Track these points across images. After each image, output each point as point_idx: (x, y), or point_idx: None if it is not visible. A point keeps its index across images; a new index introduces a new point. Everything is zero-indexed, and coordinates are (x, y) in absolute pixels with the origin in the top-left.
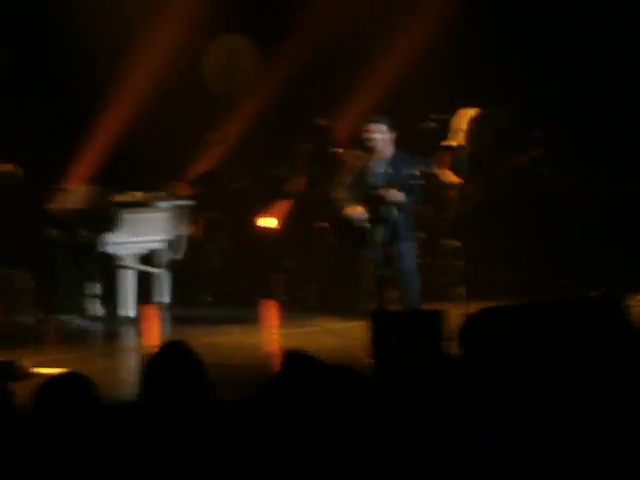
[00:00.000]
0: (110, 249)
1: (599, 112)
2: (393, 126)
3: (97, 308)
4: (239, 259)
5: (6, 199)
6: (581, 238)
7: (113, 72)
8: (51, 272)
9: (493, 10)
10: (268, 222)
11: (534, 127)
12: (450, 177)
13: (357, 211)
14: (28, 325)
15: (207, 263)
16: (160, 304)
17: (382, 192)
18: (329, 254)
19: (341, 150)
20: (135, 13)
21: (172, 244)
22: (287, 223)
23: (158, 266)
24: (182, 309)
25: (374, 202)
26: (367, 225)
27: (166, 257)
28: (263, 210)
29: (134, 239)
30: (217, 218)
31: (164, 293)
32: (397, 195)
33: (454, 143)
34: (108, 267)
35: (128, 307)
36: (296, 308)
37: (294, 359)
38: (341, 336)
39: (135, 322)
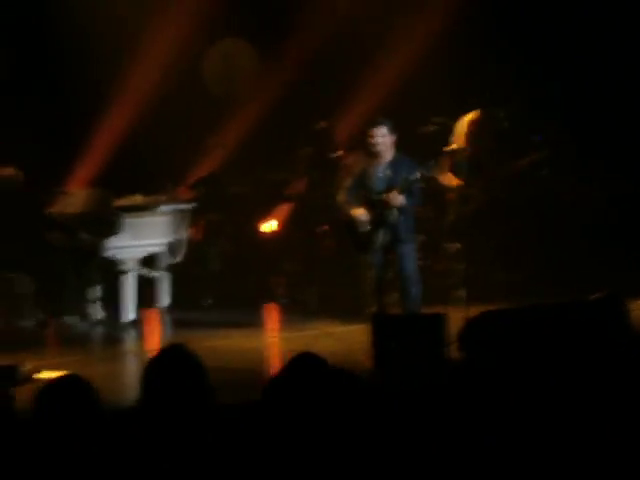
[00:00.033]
0: (111, 253)
1: (599, 112)
2: (394, 129)
3: (98, 312)
4: (240, 262)
5: (6, 203)
6: (582, 240)
7: (113, 75)
8: (52, 276)
9: (493, 11)
10: (269, 226)
11: (534, 128)
12: (450, 179)
13: (361, 214)
14: (28, 329)
15: (207, 266)
16: (160, 307)
17: (384, 196)
18: (330, 257)
19: (341, 153)
20: (136, 15)
21: (172, 247)
22: (288, 226)
23: (158, 269)
24: (182, 312)
25: (376, 205)
26: (368, 228)
27: (166, 260)
28: (264, 214)
29: (135, 243)
30: (218, 221)
31: (164, 296)
32: (398, 199)
33: (455, 147)
34: (109, 271)
35: (129, 311)
36: (297, 311)
37: (302, 361)
38: (342, 340)
39: (135, 326)
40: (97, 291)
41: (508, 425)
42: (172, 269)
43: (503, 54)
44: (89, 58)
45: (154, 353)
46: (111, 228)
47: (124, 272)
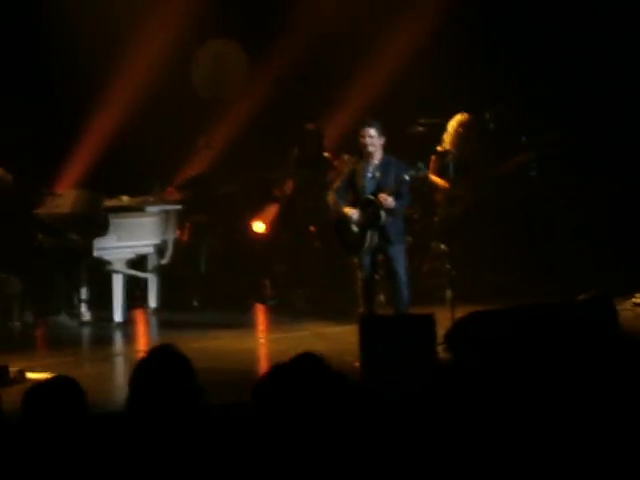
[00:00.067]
0: (99, 254)
1: (588, 113)
2: (384, 130)
3: (86, 313)
4: (228, 263)
5: None
6: (570, 241)
7: (103, 76)
8: (41, 277)
9: (481, 11)
10: (256, 226)
11: (521, 129)
12: (437, 180)
13: (353, 212)
14: (17, 330)
15: (195, 267)
16: (149, 309)
17: (375, 198)
18: (318, 258)
19: (330, 154)
20: (126, 16)
21: (159, 248)
22: (276, 227)
23: (147, 270)
24: (170, 313)
25: (365, 206)
26: (357, 229)
27: (154, 262)
28: (252, 214)
29: (123, 244)
30: (205, 222)
31: (153, 298)
32: (389, 200)
33: (444, 147)
34: (97, 272)
35: (117, 312)
36: (285, 312)
37: (301, 361)
38: (331, 340)
39: (124, 327)
40: (86, 292)
41: (497, 426)
42: (161, 270)
43: (492, 54)
44: (79, 58)
45: (143, 354)
46: (99, 229)
47: (113, 273)
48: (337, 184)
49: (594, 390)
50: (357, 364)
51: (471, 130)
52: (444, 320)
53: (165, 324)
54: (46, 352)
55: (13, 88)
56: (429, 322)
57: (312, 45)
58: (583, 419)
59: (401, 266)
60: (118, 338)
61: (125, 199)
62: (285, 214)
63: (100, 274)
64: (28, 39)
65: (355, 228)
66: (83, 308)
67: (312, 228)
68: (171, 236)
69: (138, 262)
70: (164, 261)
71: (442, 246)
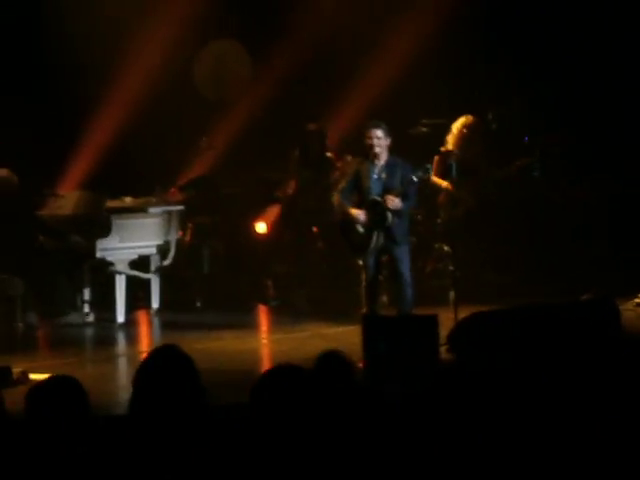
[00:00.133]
0: (101, 255)
1: (589, 113)
2: (390, 131)
3: (89, 314)
4: (230, 264)
5: (0, 205)
6: (572, 242)
7: (106, 76)
8: (43, 278)
9: (483, 12)
10: (259, 227)
11: (524, 130)
12: (439, 182)
13: (359, 213)
14: (19, 331)
15: (197, 268)
16: (151, 309)
17: (381, 199)
18: (320, 259)
19: (333, 155)
20: (127, 16)
21: (162, 249)
22: (278, 228)
23: (149, 271)
24: (173, 314)
25: (371, 208)
26: (363, 230)
27: (156, 262)
28: (255, 215)
29: (125, 245)
30: (208, 223)
31: (155, 298)
32: (396, 202)
33: (448, 148)
34: (99, 273)
35: (120, 313)
36: (287, 313)
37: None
38: (333, 341)
39: (126, 327)
40: (88, 293)
41: (499, 426)
42: (163, 271)
43: (493, 55)
44: (81, 59)
45: (146, 354)
46: (101, 230)
47: (115, 274)
48: (342, 185)
49: (597, 390)
50: (360, 365)
51: (475, 132)
52: (447, 321)
53: (167, 325)
54: (49, 353)
55: (15, 88)
56: (432, 323)
57: (314, 46)
58: (586, 418)
59: (406, 267)
60: (121, 339)
61: (127, 200)
62: (287, 215)
63: (103, 275)
64: (30, 41)
65: (361, 229)
66: (85, 309)
67: (314, 229)
68: (173, 237)
69: (140, 263)
70: (166, 262)
71: (445, 247)
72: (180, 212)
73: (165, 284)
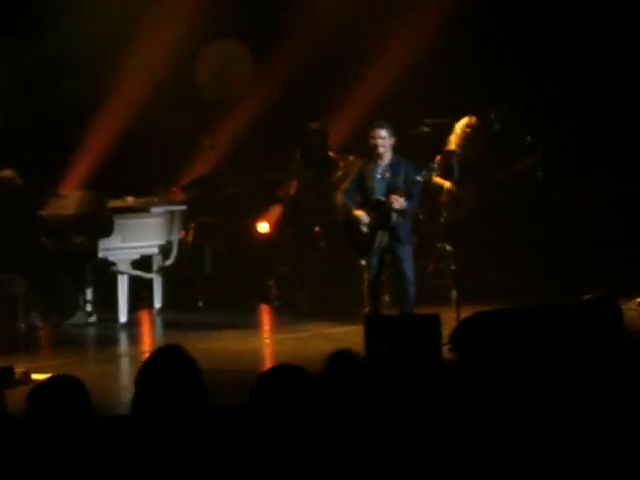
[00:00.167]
0: (104, 255)
1: (591, 113)
2: (394, 131)
3: (91, 314)
4: (232, 264)
5: (4, 205)
6: (573, 242)
7: (108, 75)
8: (45, 278)
9: (487, 11)
10: (261, 227)
11: (527, 130)
12: (441, 182)
13: (362, 215)
14: (21, 331)
15: (200, 268)
16: (153, 309)
17: (386, 199)
18: (323, 259)
19: (335, 154)
20: (130, 16)
21: (164, 249)
22: (280, 228)
23: (151, 271)
24: (175, 314)
25: (376, 207)
26: (367, 230)
27: (159, 262)
28: (257, 215)
29: (128, 244)
30: (210, 223)
31: (157, 298)
32: (400, 201)
33: (451, 147)
34: (101, 272)
35: (121, 312)
36: (290, 313)
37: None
38: (335, 341)
39: (128, 327)
40: (91, 293)
41: (502, 426)
42: (165, 271)
43: (497, 54)
44: (83, 59)
45: (148, 354)
46: (104, 230)
47: (118, 274)
48: (345, 185)
49: (599, 389)
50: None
51: (479, 132)
52: (449, 320)
53: (170, 325)
54: (51, 353)
55: (17, 88)
56: (434, 322)
57: (317, 46)
58: (588, 418)
59: (409, 267)
60: (123, 339)
61: (130, 200)
62: (289, 214)
63: (105, 275)
64: (35, 41)
65: (365, 229)
66: (87, 309)
67: (317, 228)
68: (176, 237)
69: (143, 263)
70: (169, 262)
71: (447, 247)
72: (182, 212)
73: (167, 284)
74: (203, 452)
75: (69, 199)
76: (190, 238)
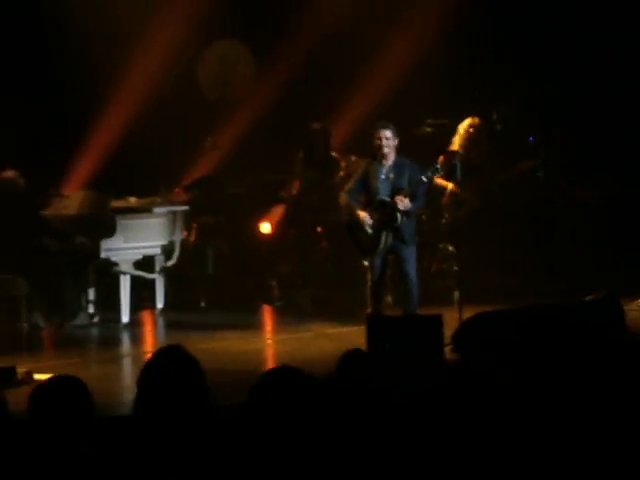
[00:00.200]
0: (106, 255)
1: (590, 113)
2: (398, 132)
3: (94, 314)
4: (234, 264)
5: (6, 205)
6: (577, 242)
7: (110, 76)
8: (48, 278)
9: (488, 11)
10: (262, 228)
11: (529, 130)
12: (442, 183)
13: (366, 216)
14: (23, 331)
15: (202, 268)
16: (155, 309)
17: (391, 200)
18: (325, 259)
19: (337, 154)
20: (132, 17)
21: (167, 250)
22: (282, 228)
23: (153, 272)
24: (177, 314)
25: (380, 208)
26: (371, 231)
27: (161, 263)
28: (259, 215)
29: (130, 245)
30: (212, 223)
31: (159, 299)
32: (405, 202)
33: (454, 147)
34: (103, 273)
35: (124, 313)
36: (292, 313)
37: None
38: (337, 341)
39: (131, 328)
40: (93, 293)
41: (503, 426)
42: (168, 271)
43: (497, 54)
44: (85, 59)
45: (150, 355)
46: (106, 230)
47: (120, 274)
48: (349, 185)
49: (601, 389)
50: None
51: (481, 133)
52: (452, 321)
53: (172, 325)
54: (53, 353)
55: (20, 88)
56: (436, 323)
57: (318, 46)
58: (590, 418)
59: (412, 268)
60: (125, 339)
61: (132, 200)
62: (291, 215)
63: (107, 275)
64: (35, 42)
65: (369, 230)
66: (89, 309)
67: (319, 229)
68: (178, 237)
69: (145, 263)
70: (171, 262)
71: (450, 247)
72: (185, 212)
73: (170, 284)
74: (205, 452)
75: (71, 199)
76: (192, 238)
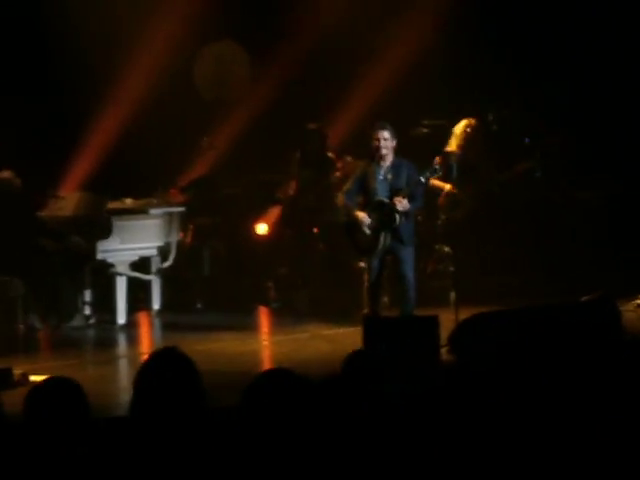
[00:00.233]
0: (102, 256)
1: (590, 114)
2: (396, 133)
3: (90, 315)
4: (231, 265)
5: (2, 206)
6: (572, 243)
7: (106, 77)
8: (44, 280)
9: (485, 11)
10: (259, 228)
11: (524, 131)
12: (438, 184)
13: (364, 216)
14: (20, 333)
15: (198, 270)
16: (152, 311)
17: (390, 201)
18: (321, 260)
19: (333, 155)
20: (129, 17)
21: (163, 251)
22: (278, 229)
23: (150, 273)
24: (173, 316)
25: (378, 209)
26: (369, 231)
27: (157, 264)
28: (256, 216)
29: (126, 246)
30: (208, 224)
31: (156, 300)
32: (404, 203)
33: (450, 148)
34: (100, 274)
35: (119, 314)
36: (288, 314)
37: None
38: (334, 342)
39: (127, 329)
40: (89, 295)
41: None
42: (164, 272)
43: (493, 56)
44: (81, 60)
45: (146, 356)
46: (102, 231)
47: (116, 275)
48: (347, 186)
49: (598, 390)
50: None
51: (478, 134)
52: (448, 322)
53: (168, 326)
54: (50, 355)
55: (16, 89)
56: (433, 324)
57: (314, 46)
58: (587, 419)
59: (410, 269)
60: (121, 340)
61: (128, 201)
62: (288, 215)
63: (103, 277)
64: (32, 42)
65: (368, 231)
66: (85, 310)
67: (315, 229)
68: (174, 238)
69: (141, 264)
70: (167, 263)
71: (446, 248)
72: (181, 213)
73: (166, 285)
74: (201, 454)
75: (67, 201)
76: (189, 239)
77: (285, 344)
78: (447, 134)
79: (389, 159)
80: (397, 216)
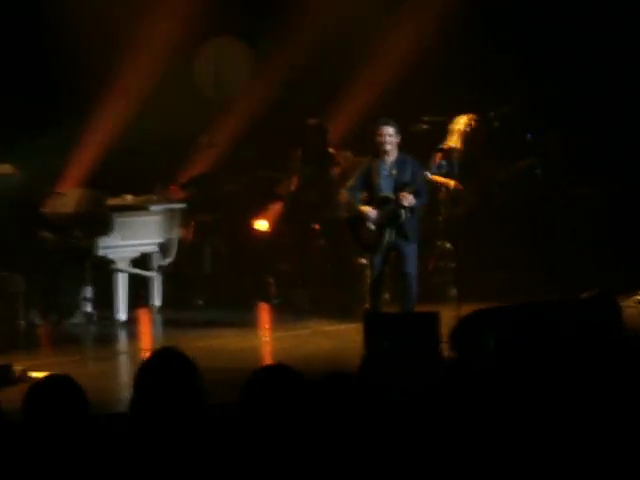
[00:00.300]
0: (103, 253)
1: (590, 113)
2: (400, 129)
3: (90, 312)
4: (232, 262)
5: (3, 201)
6: (573, 241)
7: (107, 73)
8: (44, 276)
9: (488, 8)
10: (260, 225)
11: (526, 128)
12: (439, 180)
13: (370, 211)
14: (21, 329)
15: (199, 266)
16: (152, 307)
17: (395, 196)
18: (322, 256)
19: (334, 151)
20: (128, 14)
21: (163, 247)
22: (279, 226)
23: (150, 269)
24: (174, 312)
25: (383, 205)
26: (374, 227)
27: (158, 260)
28: (256, 212)
29: (127, 242)
30: (209, 221)
31: (156, 296)
32: (409, 199)
33: (452, 144)
34: (100, 270)
35: (121, 310)
36: (289, 311)
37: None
38: (334, 338)
39: (127, 325)
40: (88, 291)
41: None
42: (164, 269)
43: (497, 54)
44: (81, 57)
45: (147, 355)
46: (103, 228)
47: (117, 272)
48: (351, 182)
49: (598, 387)
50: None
51: (479, 130)
52: (449, 318)
53: (169, 323)
54: (50, 351)
55: (15, 87)
56: (434, 320)
57: (316, 43)
58: (588, 417)
59: (412, 265)
60: (122, 337)
61: (129, 198)
62: (289, 211)
63: (104, 273)
64: (32, 39)
65: (372, 226)
66: (86, 307)
67: (316, 226)
68: (175, 235)
69: (142, 261)
70: (168, 260)
71: (447, 244)
72: (182, 210)
73: (166, 282)
74: (200, 452)
75: (68, 197)
76: (189, 236)
77: (286, 340)
78: (447, 130)
79: (393, 155)
80: (402, 212)
